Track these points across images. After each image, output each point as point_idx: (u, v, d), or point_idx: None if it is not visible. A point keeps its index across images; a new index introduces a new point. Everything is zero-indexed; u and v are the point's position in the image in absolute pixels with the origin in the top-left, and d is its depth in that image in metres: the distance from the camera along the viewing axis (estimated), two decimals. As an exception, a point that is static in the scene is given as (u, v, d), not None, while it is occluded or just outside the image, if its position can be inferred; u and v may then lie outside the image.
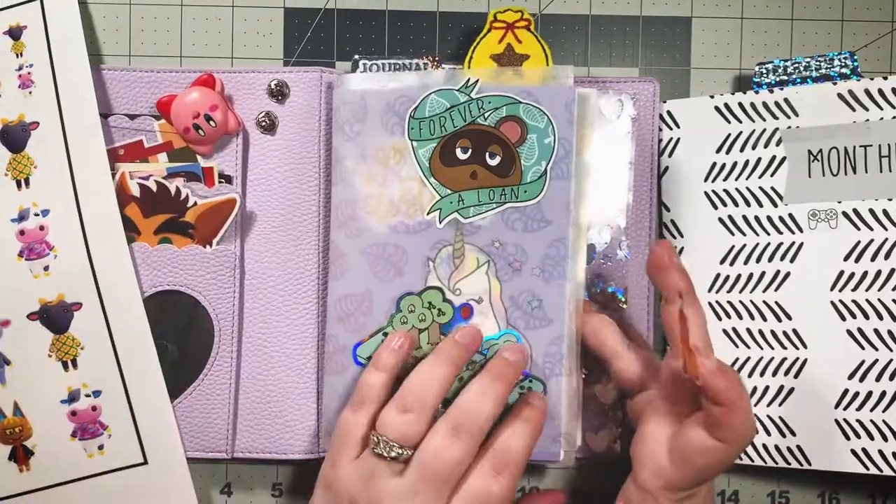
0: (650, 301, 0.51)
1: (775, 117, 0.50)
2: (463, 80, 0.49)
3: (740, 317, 0.50)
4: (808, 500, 0.53)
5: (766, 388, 0.50)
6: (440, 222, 0.49)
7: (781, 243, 0.50)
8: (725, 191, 0.51)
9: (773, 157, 0.50)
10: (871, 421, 0.47)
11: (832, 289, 0.48)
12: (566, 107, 0.48)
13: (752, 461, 0.50)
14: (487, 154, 0.48)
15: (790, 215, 0.49)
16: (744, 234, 0.50)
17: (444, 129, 0.49)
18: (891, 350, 0.47)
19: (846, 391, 0.48)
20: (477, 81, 0.48)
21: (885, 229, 0.47)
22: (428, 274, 0.48)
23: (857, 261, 0.48)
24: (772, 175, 0.50)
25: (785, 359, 0.49)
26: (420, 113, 0.49)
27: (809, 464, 0.49)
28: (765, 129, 0.50)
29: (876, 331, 0.47)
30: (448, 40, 0.53)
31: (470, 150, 0.48)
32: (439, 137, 0.49)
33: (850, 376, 0.48)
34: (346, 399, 0.49)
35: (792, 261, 0.49)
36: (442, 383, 0.44)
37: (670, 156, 0.52)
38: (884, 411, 0.47)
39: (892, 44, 0.53)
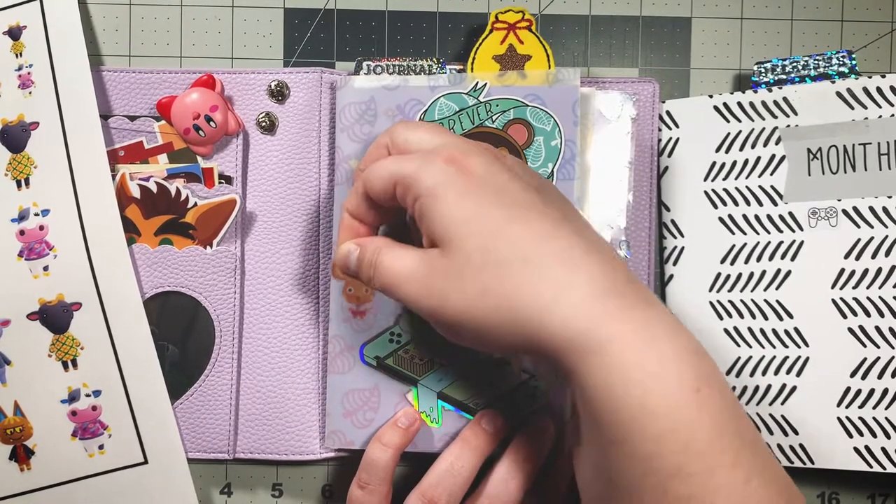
0: (650, 301, 0.51)
1: (774, 116, 0.50)
2: (471, 83, 0.49)
3: (741, 316, 0.50)
4: (808, 499, 0.53)
5: (769, 386, 0.50)
6: None
7: (782, 242, 0.50)
8: (725, 190, 0.51)
9: (773, 156, 0.50)
10: (874, 418, 0.47)
11: (833, 287, 0.49)
12: (572, 109, 0.48)
13: (754, 460, 0.50)
14: None
15: (790, 214, 0.50)
16: (744, 234, 0.51)
17: (453, 132, 0.49)
18: (892, 347, 0.47)
19: (848, 389, 0.48)
20: (485, 85, 0.49)
21: (885, 227, 0.48)
22: None
23: (857, 258, 0.48)
24: (771, 174, 0.50)
25: (787, 357, 0.49)
26: (429, 116, 0.49)
27: (812, 462, 0.49)
28: (764, 128, 0.50)
29: (877, 328, 0.48)
30: (448, 41, 0.53)
31: None
32: None
33: (852, 374, 0.48)
34: (350, 399, 0.49)
35: (792, 259, 0.49)
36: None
37: (670, 155, 0.52)
38: (886, 409, 0.47)
39: (892, 44, 0.53)
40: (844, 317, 0.48)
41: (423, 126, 0.40)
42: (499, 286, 0.34)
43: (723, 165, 0.51)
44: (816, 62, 0.49)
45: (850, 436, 0.48)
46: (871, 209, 0.48)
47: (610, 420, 0.32)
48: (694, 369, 0.32)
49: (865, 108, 0.48)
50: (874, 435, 0.47)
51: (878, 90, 0.48)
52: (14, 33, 0.50)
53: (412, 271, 0.37)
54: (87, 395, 0.49)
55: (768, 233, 0.50)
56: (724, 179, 0.51)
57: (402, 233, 0.43)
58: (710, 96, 0.51)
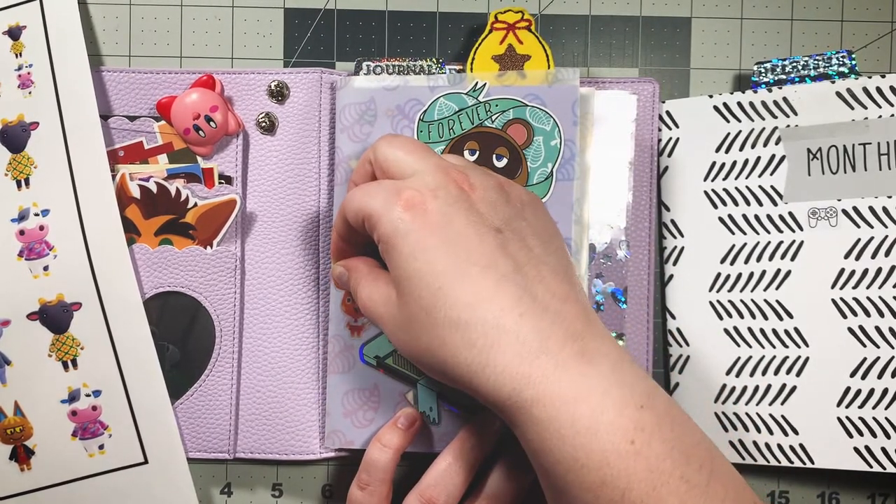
0: (650, 301, 0.51)
1: (774, 116, 0.50)
2: (470, 83, 0.49)
3: (741, 316, 0.50)
4: (808, 499, 0.53)
5: (768, 386, 0.50)
6: None
7: (782, 242, 0.50)
8: (725, 190, 0.51)
9: (773, 156, 0.50)
10: (874, 418, 0.47)
11: (833, 287, 0.49)
12: (571, 108, 0.48)
13: (755, 460, 0.50)
14: (494, 156, 0.49)
15: (790, 214, 0.50)
16: (744, 234, 0.51)
17: (453, 132, 0.49)
18: (892, 347, 0.47)
19: (848, 389, 0.48)
20: (485, 85, 0.49)
21: (885, 227, 0.48)
22: None
23: (857, 258, 0.48)
24: (771, 174, 0.50)
25: (786, 357, 0.49)
26: (429, 116, 0.49)
27: (812, 462, 0.49)
28: (764, 128, 0.50)
29: (877, 328, 0.48)
30: (448, 41, 0.53)
31: (477, 153, 0.49)
32: (448, 140, 0.49)
33: (852, 374, 0.48)
34: (350, 399, 0.49)
35: (792, 259, 0.49)
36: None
37: (670, 155, 0.52)
38: (886, 409, 0.47)
39: (892, 44, 0.53)
40: (844, 317, 0.48)
41: (403, 145, 0.41)
42: (438, 349, 0.36)
43: (723, 165, 0.51)
44: (816, 62, 0.49)
45: (850, 436, 0.48)
46: (871, 209, 0.48)
47: (550, 472, 0.34)
48: (631, 421, 0.33)
49: (865, 108, 0.48)
50: (874, 435, 0.47)
51: (878, 90, 0.48)
52: (14, 33, 0.50)
53: (381, 311, 0.40)
54: (87, 395, 0.49)
55: (768, 233, 0.50)
56: (724, 179, 0.51)
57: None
58: (710, 96, 0.51)
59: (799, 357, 0.49)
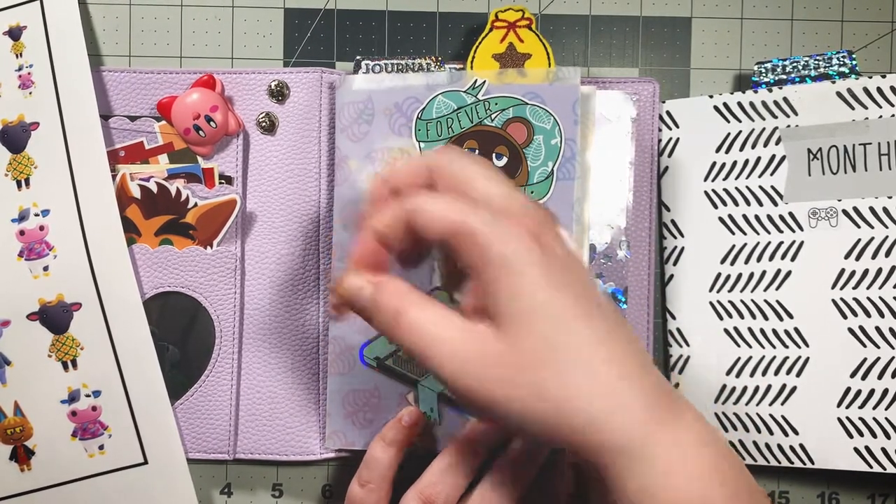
0: (650, 301, 0.51)
1: (774, 116, 0.50)
2: (470, 81, 0.49)
3: (741, 316, 0.50)
4: (808, 499, 0.53)
5: (769, 386, 0.50)
6: None
7: (782, 242, 0.50)
8: (725, 190, 0.51)
9: (773, 156, 0.50)
10: (874, 419, 0.47)
11: (833, 287, 0.49)
12: (572, 107, 0.48)
13: (756, 461, 0.50)
14: (494, 155, 0.49)
15: (790, 214, 0.50)
16: (744, 234, 0.51)
17: (452, 131, 0.49)
18: (892, 348, 0.47)
19: (848, 389, 0.48)
20: (484, 83, 0.49)
21: (886, 227, 0.48)
22: (433, 274, 0.48)
23: (857, 259, 0.48)
24: (772, 174, 0.50)
25: (787, 357, 0.49)
26: (427, 114, 0.49)
27: (812, 462, 0.49)
28: (764, 129, 0.50)
29: (877, 328, 0.48)
30: (448, 40, 0.53)
31: (477, 152, 0.49)
32: (446, 138, 0.49)
33: (852, 374, 0.48)
34: (350, 400, 0.49)
35: (793, 259, 0.49)
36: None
37: (670, 156, 0.52)
38: (886, 409, 0.47)
39: (892, 44, 0.53)
40: (844, 317, 0.48)
41: (476, 161, 0.36)
42: (557, 390, 0.32)
43: (723, 165, 0.51)
44: (817, 62, 0.49)
45: (850, 436, 0.48)
46: (872, 209, 0.48)
47: None
48: (722, 475, 0.33)
49: (866, 108, 0.48)
50: (874, 435, 0.47)
51: (879, 90, 0.48)
52: (14, 33, 0.50)
53: (456, 348, 0.33)
54: (87, 396, 0.49)
55: (768, 233, 0.50)
56: (724, 179, 0.51)
57: (413, 264, 0.38)
58: (711, 96, 0.51)
59: (799, 357, 0.49)
